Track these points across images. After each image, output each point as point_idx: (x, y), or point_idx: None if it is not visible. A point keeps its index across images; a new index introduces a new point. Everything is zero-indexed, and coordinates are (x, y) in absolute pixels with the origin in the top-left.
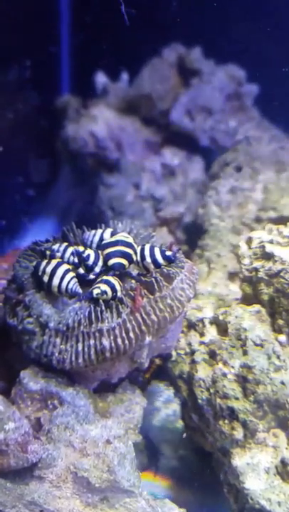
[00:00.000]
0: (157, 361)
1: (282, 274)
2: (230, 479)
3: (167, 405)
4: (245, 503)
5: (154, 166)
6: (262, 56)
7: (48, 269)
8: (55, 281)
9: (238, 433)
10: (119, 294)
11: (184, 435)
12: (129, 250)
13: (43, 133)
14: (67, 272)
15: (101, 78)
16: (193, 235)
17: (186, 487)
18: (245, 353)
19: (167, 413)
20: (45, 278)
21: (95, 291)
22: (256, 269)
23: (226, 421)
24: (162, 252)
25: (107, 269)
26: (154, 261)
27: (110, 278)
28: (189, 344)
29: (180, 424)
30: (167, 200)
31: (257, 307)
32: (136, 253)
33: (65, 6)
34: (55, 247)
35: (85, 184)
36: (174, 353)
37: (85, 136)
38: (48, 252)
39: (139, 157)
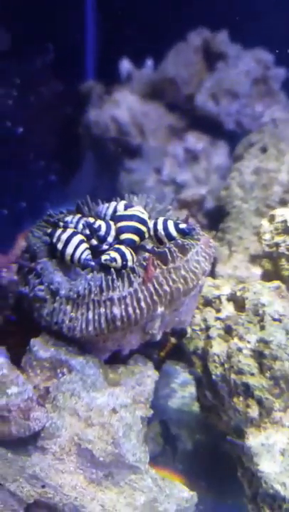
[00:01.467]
0: (173, 340)
1: None
2: (244, 461)
3: (184, 388)
4: (258, 488)
5: (176, 150)
6: None
7: (64, 237)
8: (69, 249)
9: (253, 411)
10: (130, 263)
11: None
12: (143, 227)
13: (67, 118)
14: (81, 242)
15: (126, 65)
16: (215, 220)
17: (199, 483)
18: (262, 328)
19: (183, 395)
20: (60, 245)
21: (104, 257)
22: (277, 244)
23: (241, 398)
24: (176, 225)
25: (119, 242)
26: (168, 234)
27: (122, 247)
28: (205, 320)
29: (196, 406)
30: (189, 185)
31: (277, 283)
32: (149, 230)
33: None
34: (68, 218)
35: (107, 169)
36: (188, 330)
37: (107, 121)
38: (61, 223)
39: (162, 142)
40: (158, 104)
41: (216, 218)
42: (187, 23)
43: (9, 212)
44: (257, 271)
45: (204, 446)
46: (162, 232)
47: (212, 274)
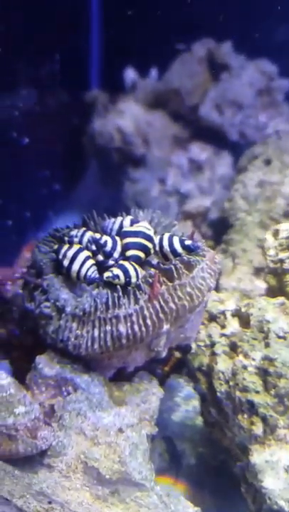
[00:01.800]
0: (177, 354)
1: None
2: (248, 477)
3: (187, 402)
4: (262, 503)
5: (180, 160)
6: None
7: (70, 254)
8: (76, 266)
9: (258, 428)
10: (133, 279)
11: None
12: (149, 244)
13: (71, 128)
14: (87, 258)
15: (130, 74)
16: (219, 231)
17: (204, 487)
18: (267, 345)
19: (187, 409)
20: (66, 262)
21: (106, 274)
22: (282, 261)
23: (245, 415)
24: (181, 242)
25: (125, 258)
26: (173, 250)
27: (125, 263)
28: (209, 336)
29: (200, 420)
30: (193, 196)
31: (281, 299)
32: (155, 246)
33: (95, 0)
34: (74, 232)
35: (111, 179)
36: (193, 345)
37: (111, 131)
38: (66, 238)
39: (166, 152)
40: (162, 114)
41: (220, 228)
42: (191, 33)
43: (13, 222)
44: (261, 284)
45: (208, 461)
46: (168, 249)
47: (216, 286)
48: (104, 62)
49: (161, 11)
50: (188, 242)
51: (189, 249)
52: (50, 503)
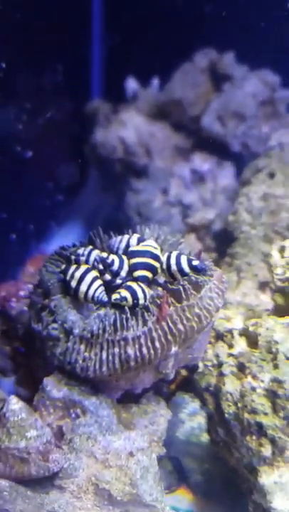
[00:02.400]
0: (183, 372)
1: None
2: (256, 498)
3: (192, 418)
4: None
5: (183, 171)
6: None
7: (77, 275)
8: (83, 287)
9: (266, 450)
10: (141, 301)
11: None
12: (156, 264)
13: (73, 138)
14: (95, 279)
15: (131, 84)
16: (222, 243)
17: (210, 503)
18: (275, 366)
19: (192, 426)
20: (73, 283)
21: (114, 296)
22: None
23: (254, 437)
24: (189, 262)
25: (132, 278)
26: (181, 270)
27: (133, 284)
28: (217, 356)
29: (205, 437)
30: (196, 207)
31: None
32: (162, 265)
33: (97, 11)
34: (80, 251)
35: (113, 189)
36: (200, 365)
37: (114, 142)
38: (72, 257)
39: (168, 163)
40: (164, 125)
41: (224, 241)
42: (193, 42)
43: (16, 233)
44: (266, 298)
45: (214, 478)
46: (175, 268)
47: None
48: (106, 72)
49: (162, 20)
50: (195, 263)
51: (197, 270)
52: None
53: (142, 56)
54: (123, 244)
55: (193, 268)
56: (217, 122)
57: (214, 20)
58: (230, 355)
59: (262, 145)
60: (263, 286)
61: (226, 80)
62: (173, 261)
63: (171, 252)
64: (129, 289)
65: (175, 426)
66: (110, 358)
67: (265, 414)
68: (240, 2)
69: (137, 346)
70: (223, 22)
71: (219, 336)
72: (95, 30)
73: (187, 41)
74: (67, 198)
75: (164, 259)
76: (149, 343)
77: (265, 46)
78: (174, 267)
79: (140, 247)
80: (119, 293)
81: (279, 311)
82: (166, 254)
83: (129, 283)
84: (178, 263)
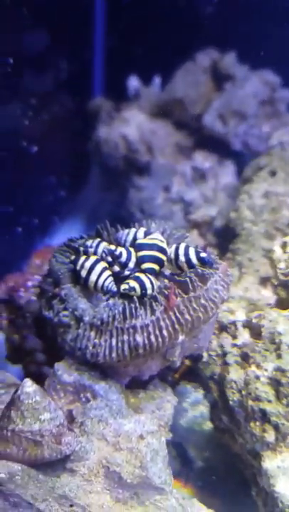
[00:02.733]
0: (187, 362)
1: None
2: (259, 482)
3: (195, 407)
4: (274, 507)
5: (184, 169)
6: None
7: (87, 265)
8: (93, 277)
9: (270, 436)
10: (149, 291)
11: None
12: (163, 256)
13: (76, 135)
14: (104, 269)
15: (134, 82)
16: (224, 239)
17: (213, 489)
18: (279, 356)
19: (195, 415)
20: (83, 273)
21: (123, 287)
22: None
23: (258, 423)
24: (197, 254)
25: (140, 270)
26: (188, 261)
27: (141, 275)
28: (221, 346)
29: (207, 425)
30: (197, 204)
31: None
32: (168, 257)
33: (99, 10)
34: (89, 243)
35: (116, 186)
36: (205, 355)
37: (116, 139)
38: (81, 248)
39: (170, 160)
40: (166, 123)
41: (226, 237)
42: (195, 41)
43: (21, 228)
44: (267, 293)
45: (216, 465)
46: (183, 259)
47: None
48: (108, 70)
49: (164, 19)
50: (203, 255)
51: (204, 262)
52: (71, 506)
53: (144, 55)
54: (130, 237)
55: (200, 260)
56: (218, 121)
57: (216, 19)
58: (234, 345)
59: (262, 144)
60: (264, 281)
61: (227, 79)
62: (181, 252)
63: (179, 244)
64: (138, 279)
65: (178, 414)
66: (120, 344)
67: (269, 401)
68: (241, 2)
69: (145, 334)
70: (225, 21)
71: (223, 328)
72: (97, 28)
73: (189, 40)
74: (70, 194)
75: (172, 250)
76: (157, 332)
77: (266, 46)
78: (182, 257)
79: (147, 240)
80: (127, 283)
81: (282, 304)
82: (175, 246)
83: (137, 274)
84: (186, 254)
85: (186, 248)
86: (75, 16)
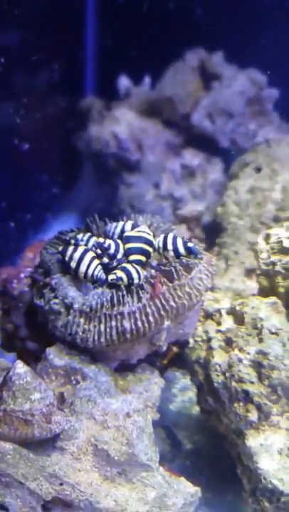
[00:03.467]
0: (175, 349)
1: None
2: (243, 460)
3: (183, 393)
4: (258, 483)
5: (174, 166)
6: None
7: (76, 256)
8: (82, 268)
9: (253, 415)
10: (136, 281)
11: None
12: (150, 248)
13: (68, 133)
14: (93, 259)
15: (124, 81)
16: (211, 233)
17: (200, 469)
18: (260, 340)
19: (183, 399)
20: (73, 264)
21: (110, 277)
22: (273, 263)
23: (241, 403)
24: (184, 243)
25: (127, 261)
26: (175, 250)
27: (128, 265)
28: (206, 332)
29: (195, 410)
30: (186, 200)
31: (273, 299)
32: (155, 250)
33: (91, 9)
34: (80, 236)
35: (106, 183)
36: (191, 340)
37: (107, 137)
38: (72, 241)
39: (160, 158)
40: (156, 121)
41: (213, 232)
42: (185, 41)
43: (14, 224)
44: (252, 284)
45: (203, 446)
46: (170, 247)
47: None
48: (100, 69)
49: (155, 20)
50: (190, 244)
51: (190, 251)
52: (61, 484)
53: (135, 54)
54: (118, 230)
55: (187, 249)
56: (207, 119)
57: (206, 19)
58: (219, 331)
59: (249, 141)
60: (249, 272)
61: (215, 78)
62: (170, 241)
63: (167, 234)
64: (125, 270)
65: (167, 399)
66: (108, 330)
67: (252, 382)
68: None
69: (132, 320)
70: (214, 21)
71: (208, 315)
72: (89, 28)
73: (179, 40)
74: (63, 192)
75: (160, 239)
76: (144, 317)
77: (254, 45)
78: (169, 246)
79: (135, 233)
80: (115, 273)
81: (263, 292)
82: (163, 236)
83: (124, 264)
84: (174, 243)
85: (174, 238)
86: (66, 16)
